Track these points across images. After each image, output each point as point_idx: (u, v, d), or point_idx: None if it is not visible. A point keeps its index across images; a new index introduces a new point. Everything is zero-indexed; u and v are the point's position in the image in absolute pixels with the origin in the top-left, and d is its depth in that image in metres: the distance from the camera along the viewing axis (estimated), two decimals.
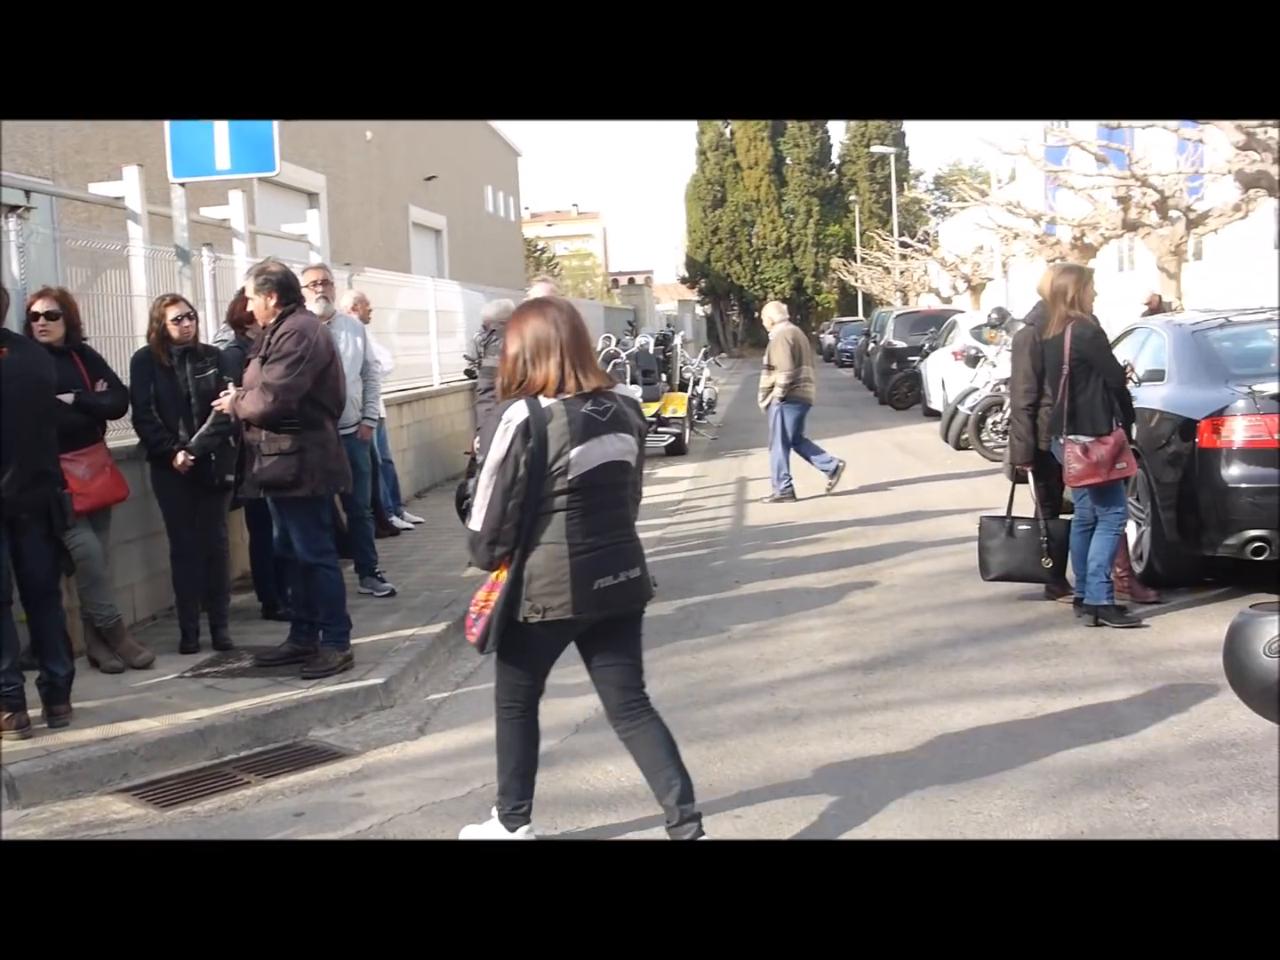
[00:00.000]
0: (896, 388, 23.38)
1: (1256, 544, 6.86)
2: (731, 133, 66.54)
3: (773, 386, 12.61)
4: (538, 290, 7.91)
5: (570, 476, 3.85)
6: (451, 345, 15.53)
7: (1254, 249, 21.53)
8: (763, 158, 65.00)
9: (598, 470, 3.91)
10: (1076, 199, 22.60)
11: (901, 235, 44.20)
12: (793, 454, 12.65)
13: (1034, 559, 7.36)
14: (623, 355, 17.39)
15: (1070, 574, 7.33)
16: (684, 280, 70.80)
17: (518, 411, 3.84)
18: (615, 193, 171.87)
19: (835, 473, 12.70)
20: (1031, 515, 7.52)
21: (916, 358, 22.94)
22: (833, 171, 67.20)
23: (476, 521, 3.89)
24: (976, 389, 15.96)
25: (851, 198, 64.71)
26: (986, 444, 14.66)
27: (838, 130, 68.55)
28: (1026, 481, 8.33)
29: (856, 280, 51.60)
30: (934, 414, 19.82)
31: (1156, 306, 15.22)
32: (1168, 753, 4.94)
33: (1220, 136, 12.88)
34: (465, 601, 7.83)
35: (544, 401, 3.85)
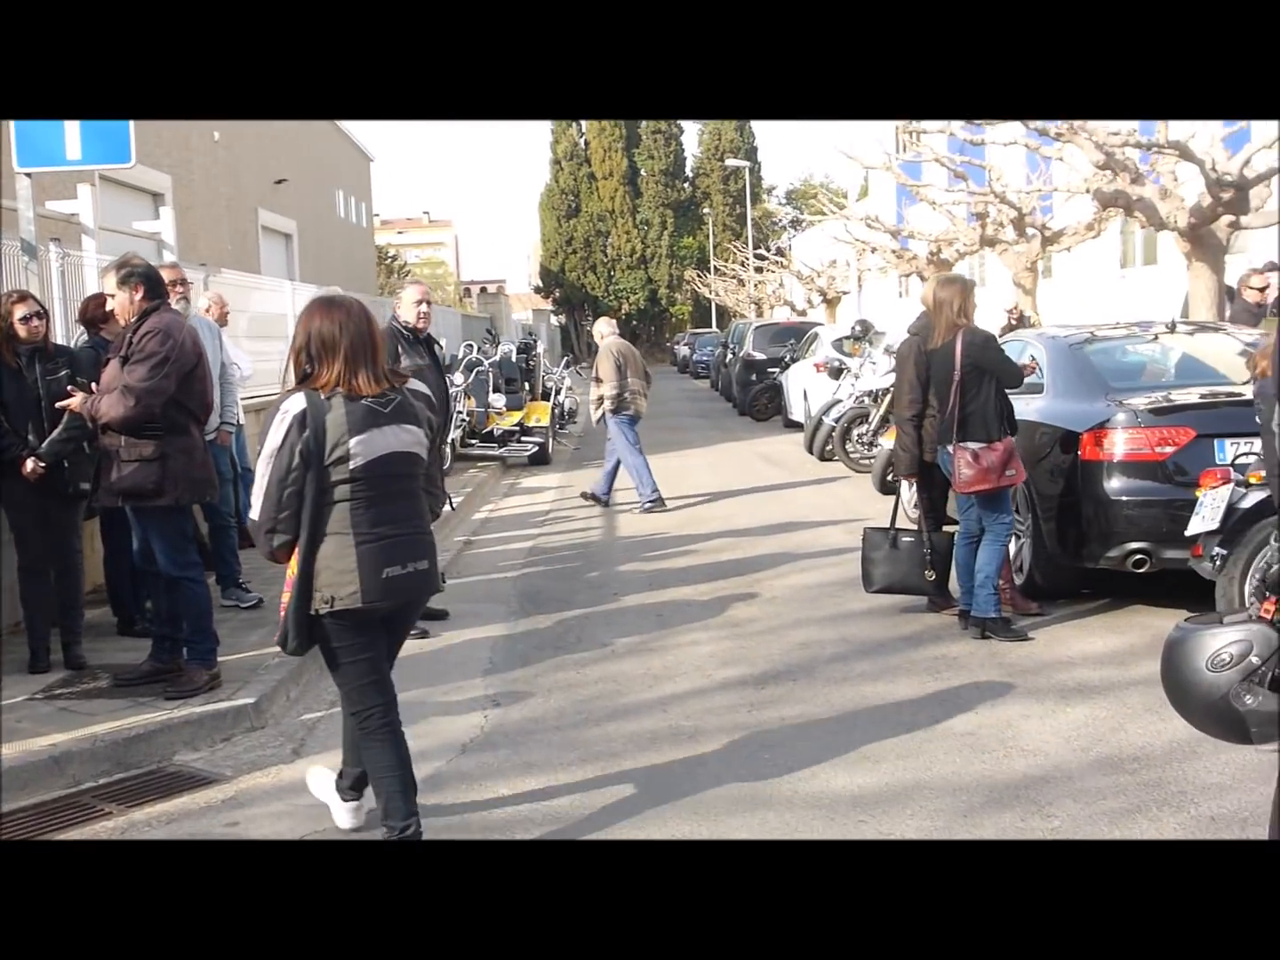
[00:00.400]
0: (756, 399, 23.48)
1: (1137, 556, 6.93)
2: (586, 143, 66.57)
3: (601, 399, 12.64)
4: (410, 293, 7.66)
5: (352, 466, 3.91)
6: None
7: (1101, 267, 22.21)
8: (617, 168, 65.14)
9: (382, 460, 3.96)
10: (929, 214, 23.04)
11: (756, 248, 44.68)
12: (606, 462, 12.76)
13: (917, 571, 7.33)
14: (485, 363, 17.12)
15: (954, 586, 7.33)
16: (538, 290, 70.54)
17: (295, 403, 3.92)
18: (467, 201, 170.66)
19: (599, 500, 12.69)
20: (914, 527, 7.49)
21: (776, 369, 23.07)
22: (687, 184, 67.70)
23: (255, 510, 3.96)
24: (840, 401, 16.04)
25: (705, 210, 65.28)
26: (852, 455, 14.73)
27: (691, 143, 69.16)
28: (895, 493, 8.33)
29: (711, 292, 52.02)
30: (795, 425, 19.95)
31: (1019, 319, 15.51)
32: (1071, 769, 4.89)
33: (1080, 155, 13.19)
34: None
35: (324, 394, 3.94)
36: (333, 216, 38.19)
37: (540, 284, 69.77)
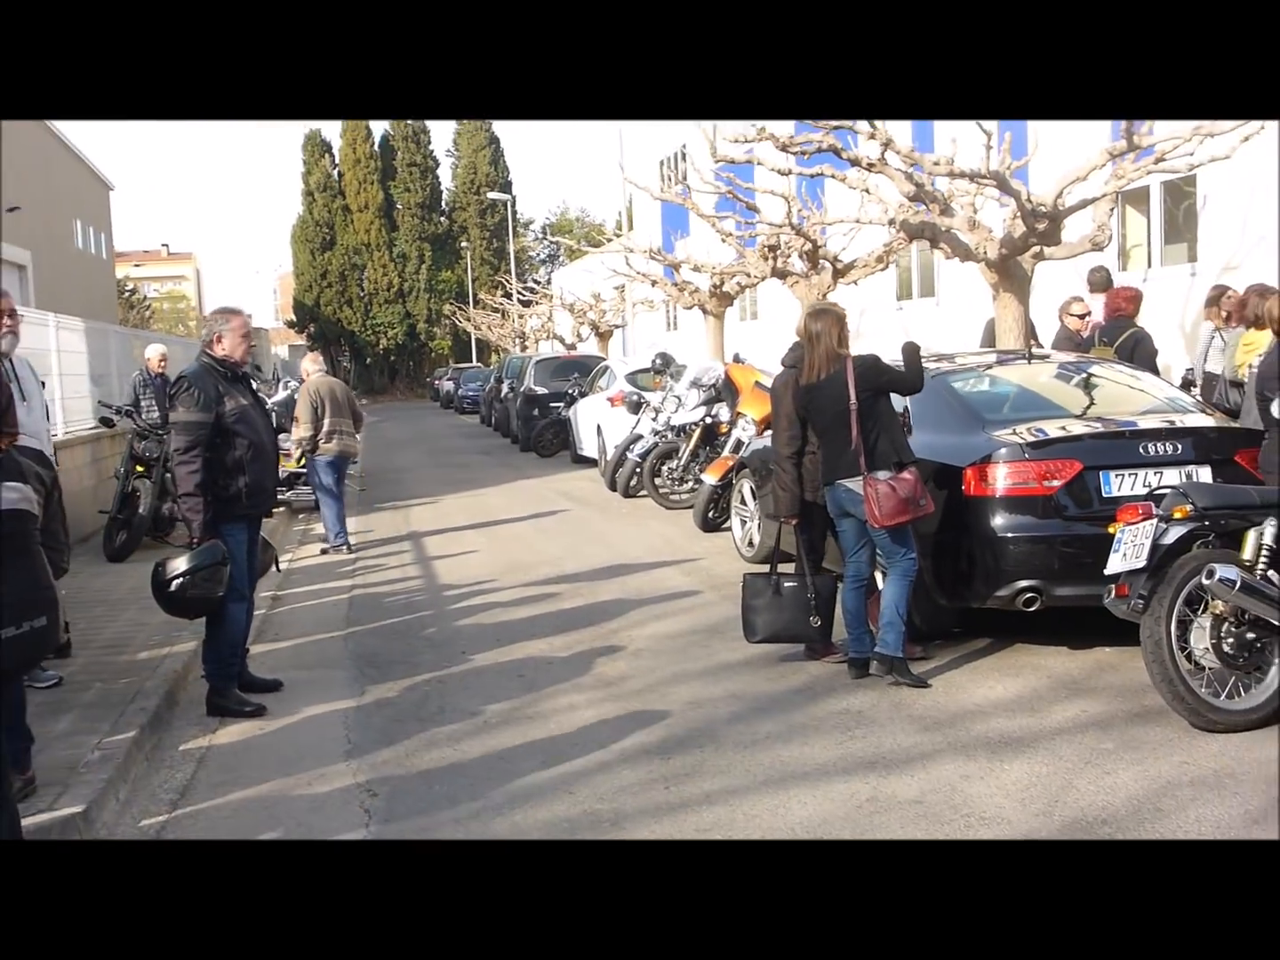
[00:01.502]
0: (541, 435, 22.85)
1: (1028, 595, 6.65)
2: (340, 174, 64.91)
3: (300, 441, 12.40)
4: (232, 323, 6.73)
5: None
6: (74, 389, 13.76)
7: (878, 300, 22.57)
8: (373, 201, 63.71)
9: None
10: (702, 246, 23.00)
11: (519, 281, 44.24)
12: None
13: (802, 618, 6.88)
14: (269, 402, 16.01)
15: (834, 633, 6.94)
16: (291, 324, 68.31)
17: None
18: (210, 232, 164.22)
19: (338, 546, 12.28)
20: (796, 571, 7.05)
21: (560, 404, 22.58)
22: (443, 217, 66.85)
23: None
24: (641, 436, 15.67)
25: (463, 244, 64.56)
26: (662, 491, 14.29)
27: (446, 176, 68.22)
28: (717, 530, 7.82)
29: (474, 327, 51.16)
30: (586, 461, 19.51)
31: None
32: (1043, 837, 4.48)
33: (887, 186, 13.20)
34: (151, 694, 6.58)
35: None
36: (70, 247, 35.94)
37: (294, 318, 67.57)
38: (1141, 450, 6.75)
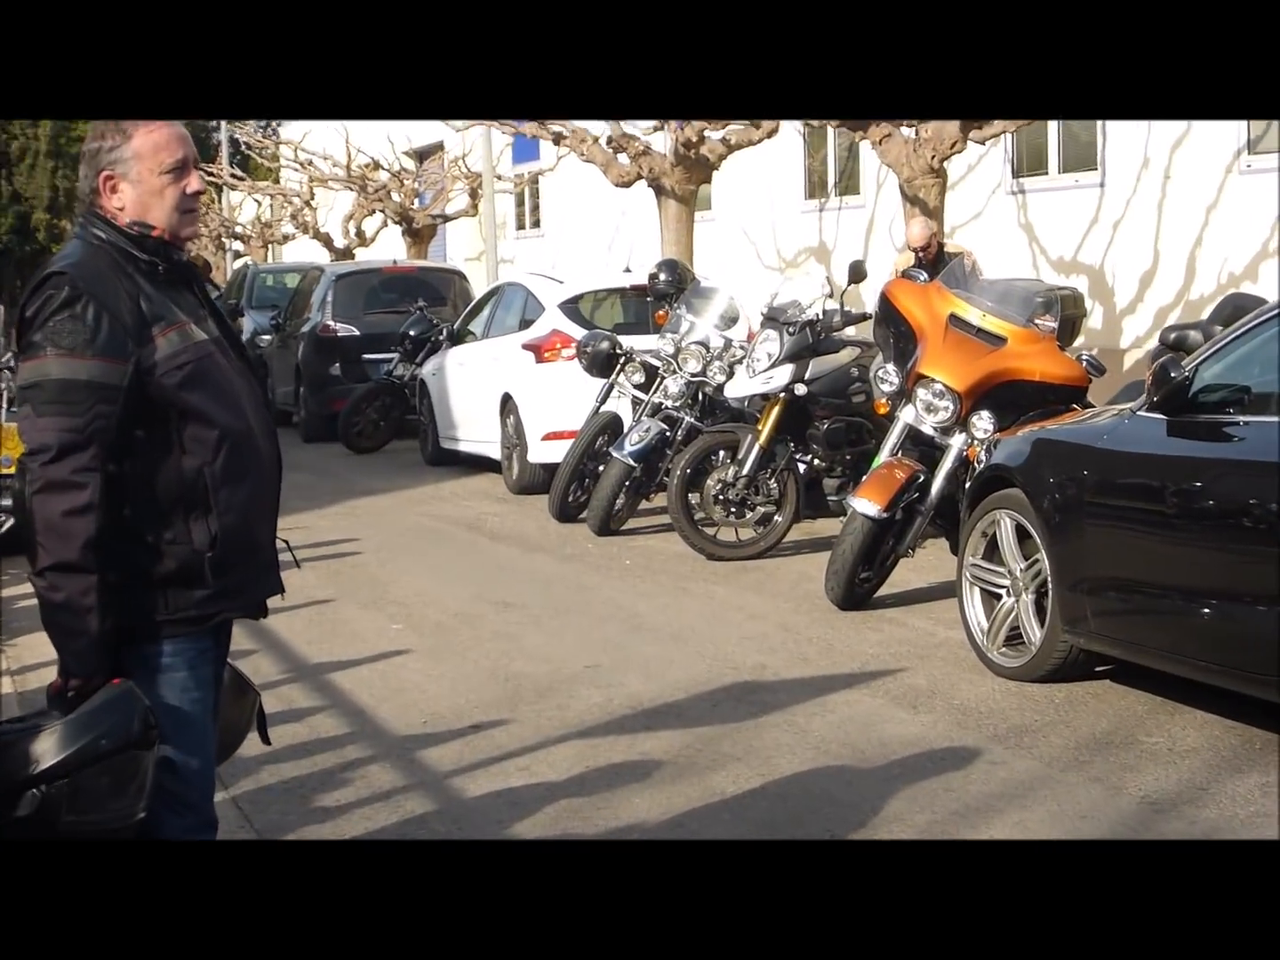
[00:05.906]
0: (357, 414, 20.78)
1: None
2: None
3: None
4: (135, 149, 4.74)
5: None
6: None
7: (977, 181, 21.22)
8: None
9: None
10: None
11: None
12: None
13: None
14: None
15: None
16: None
17: None
18: None
19: None
20: None
21: (389, 356, 21.01)
22: None
23: None
24: (618, 417, 14.38)
25: None
26: (700, 522, 12.35)
27: None
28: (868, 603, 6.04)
29: None
30: (457, 459, 18.74)
31: (935, 257, 14.37)
32: None
33: None
34: None
35: None
36: None
37: None
38: None
